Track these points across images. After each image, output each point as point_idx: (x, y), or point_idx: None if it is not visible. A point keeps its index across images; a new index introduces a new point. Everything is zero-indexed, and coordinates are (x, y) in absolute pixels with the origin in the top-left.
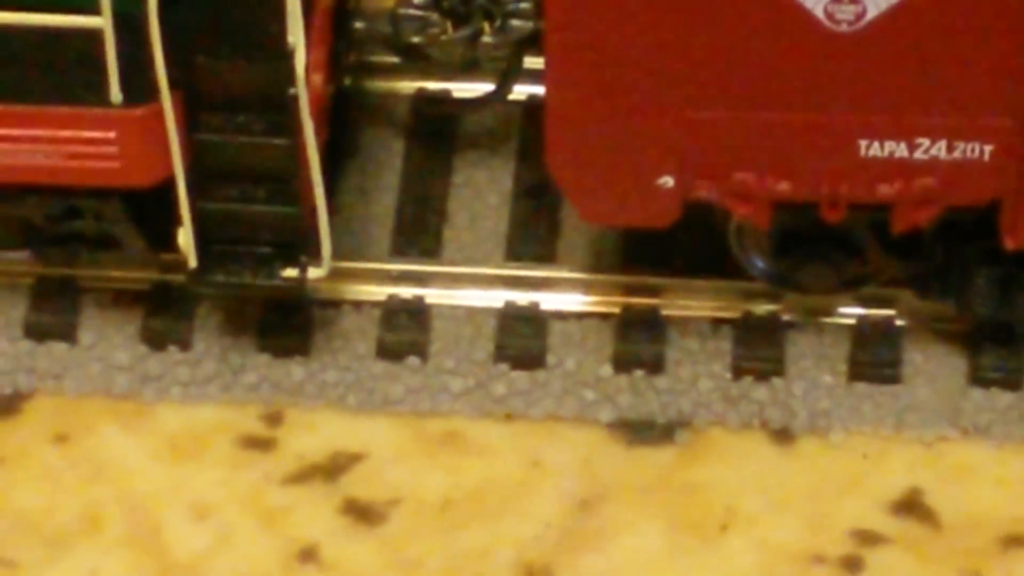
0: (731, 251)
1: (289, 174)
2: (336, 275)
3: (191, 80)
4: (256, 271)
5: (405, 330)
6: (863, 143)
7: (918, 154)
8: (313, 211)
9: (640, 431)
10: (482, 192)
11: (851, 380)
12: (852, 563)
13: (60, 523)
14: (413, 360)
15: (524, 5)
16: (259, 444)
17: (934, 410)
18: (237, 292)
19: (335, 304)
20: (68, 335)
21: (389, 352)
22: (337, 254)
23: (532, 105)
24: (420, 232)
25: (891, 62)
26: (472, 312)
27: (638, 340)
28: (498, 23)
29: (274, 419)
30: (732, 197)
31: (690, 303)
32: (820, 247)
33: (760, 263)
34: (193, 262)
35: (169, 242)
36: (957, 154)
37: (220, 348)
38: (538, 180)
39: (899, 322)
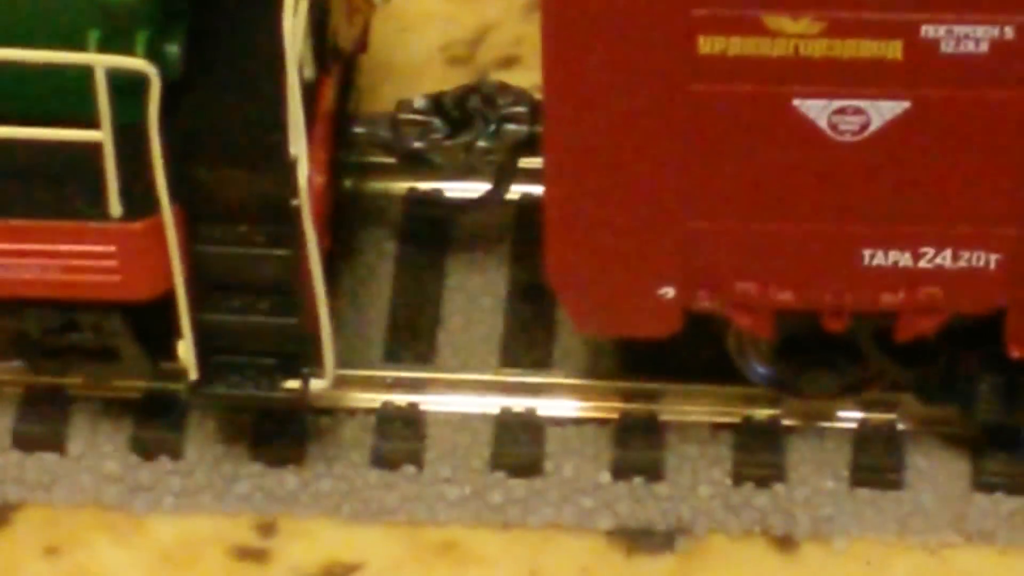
0: (730, 357)
1: (291, 285)
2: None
3: (191, 192)
4: (258, 383)
5: (400, 438)
6: (867, 252)
7: (923, 263)
8: (315, 322)
9: (640, 539)
10: (476, 295)
11: (853, 486)
12: None
13: None
14: (408, 468)
15: (519, 109)
16: (253, 555)
17: (938, 515)
18: (238, 404)
19: (329, 412)
20: (57, 445)
21: (384, 461)
22: None
23: (525, 205)
24: (414, 337)
25: (895, 172)
26: (467, 419)
27: (636, 446)
28: (492, 127)
29: (268, 530)
30: (734, 307)
31: (689, 408)
32: (821, 353)
33: (760, 368)
34: (194, 374)
35: (168, 352)
36: (963, 263)
37: (212, 457)
38: (533, 282)
39: (901, 426)
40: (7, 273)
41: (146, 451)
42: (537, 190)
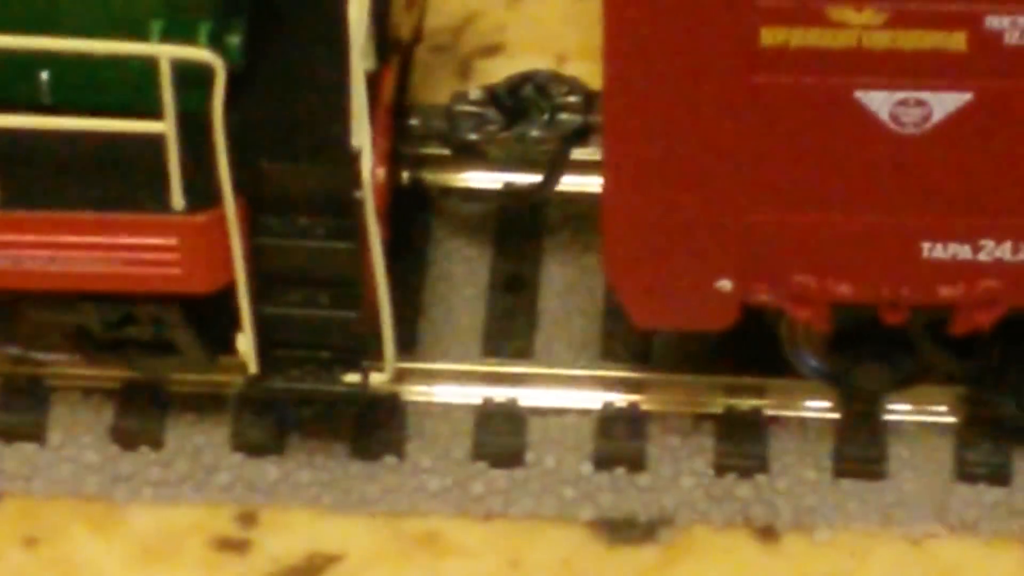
0: (782, 350)
1: (352, 278)
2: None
3: (252, 184)
4: (317, 376)
5: (381, 429)
6: (926, 245)
7: (982, 256)
8: (375, 315)
9: (621, 530)
10: (458, 285)
11: (836, 476)
12: None
13: None
14: (390, 459)
15: (572, 99)
16: (234, 546)
17: (921, 506)
18: (297, 398)
19: (309, 403)
20: (37, 435)
21: (365, 451)
22: None
23: (507, 195)
24: (396, 326)
25: (956, 164)
26: (449, 409)
27: (618, 437)
28: (546, 117)
29: (248, 520)
30: (792, 300)
31: (671, 399)
32: (875, 346)
33: (812, 362)
34: (253, 368)
35: (223, 345)
36: (1022, 255)
37: (193, 447)
38: (516, 272)
39: (884, 417)
40: (68, 266)
41: (126, 441)
42: (520, 179)
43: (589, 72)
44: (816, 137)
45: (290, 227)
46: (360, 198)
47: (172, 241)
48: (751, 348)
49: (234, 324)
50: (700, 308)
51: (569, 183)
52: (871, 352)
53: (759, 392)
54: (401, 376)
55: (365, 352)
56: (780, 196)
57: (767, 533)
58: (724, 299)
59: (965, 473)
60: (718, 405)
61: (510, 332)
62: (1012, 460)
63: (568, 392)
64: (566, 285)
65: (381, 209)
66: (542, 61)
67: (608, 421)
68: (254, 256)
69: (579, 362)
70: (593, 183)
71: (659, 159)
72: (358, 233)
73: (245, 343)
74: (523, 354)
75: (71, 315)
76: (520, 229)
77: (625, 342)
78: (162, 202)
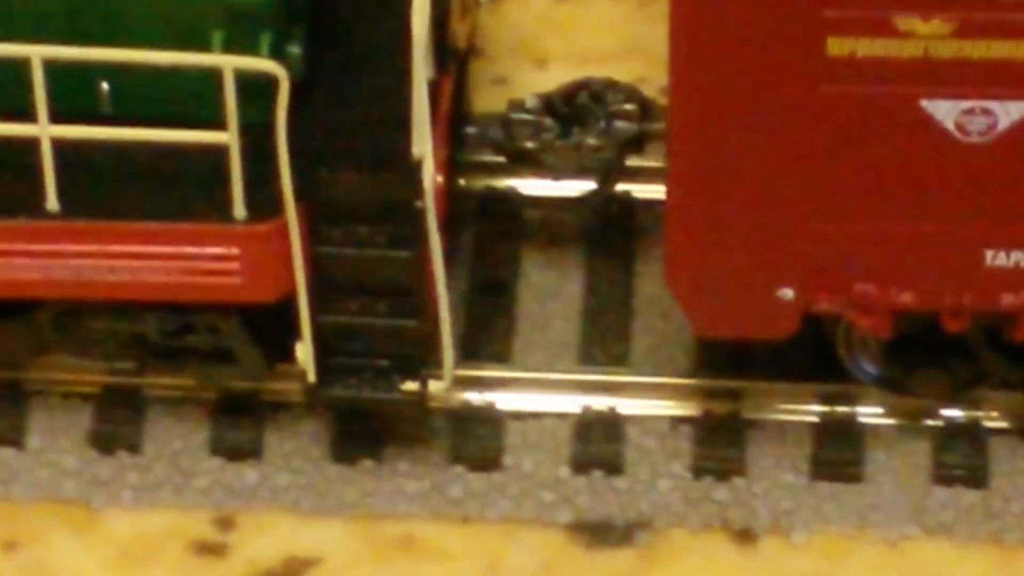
0: (838, 355)
1: (412, 286)
2: (282, 376)
3: (312, 193)
4: (375, 385)
5: (359, 433)
6: (989, 253)
7: None
8: (434, 323)
9: (599, 533)
10: None
11: (813, 479)
12: None
13: None
14: (367, 463)
15: (628, 107)
16: (211, 550)
17: (898, 509)
18: (356, 407)
19: (287, 406)
20: (15, 440)
21: (343, 455)
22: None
23: (487, 198)
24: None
25: (1021, 172)
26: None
27: (596, 440)
28: (602, 124)
29: (226, 524)
30: (854, 309)
31: (649, 403)
32: (933, 352)
33: (869, 368)
34: (312, 376)
35: (280, 354)
36: None
37: (171, 452)
38: (493, 276)
39: (861, 420)
40: (128, 276)
41: (104, 446)
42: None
43: (569, 75)
44: (881, 146)
45: (349, 236)
46: (421, 207)
47: (233, 251)
48: (728, 352)
49: (292, 332)
50: (761, 317)
51: (548, 188)
52: (929, 359)
53: (737, 395)
54: None
55: (424, 361)
56: (844, 205)
57: (744, 536)
58: (785, 308)
59: (942, 476)
60: (696, 408)
61: (487, 337)
62: (988, 463)
63: (546, 396)
64: (544, 289)
65: (441, 217)
66: (523, 64)
67: (586, 425)
68: (315, 265)
69: (556, 366)
70: (570, 187)
71: (724, 168)
72: (418, 242)
73: (304, 352)
74: (500, 358)
75: (130, 324)
76: (499, 233)
77: (602, 346)
78: (224, 212)
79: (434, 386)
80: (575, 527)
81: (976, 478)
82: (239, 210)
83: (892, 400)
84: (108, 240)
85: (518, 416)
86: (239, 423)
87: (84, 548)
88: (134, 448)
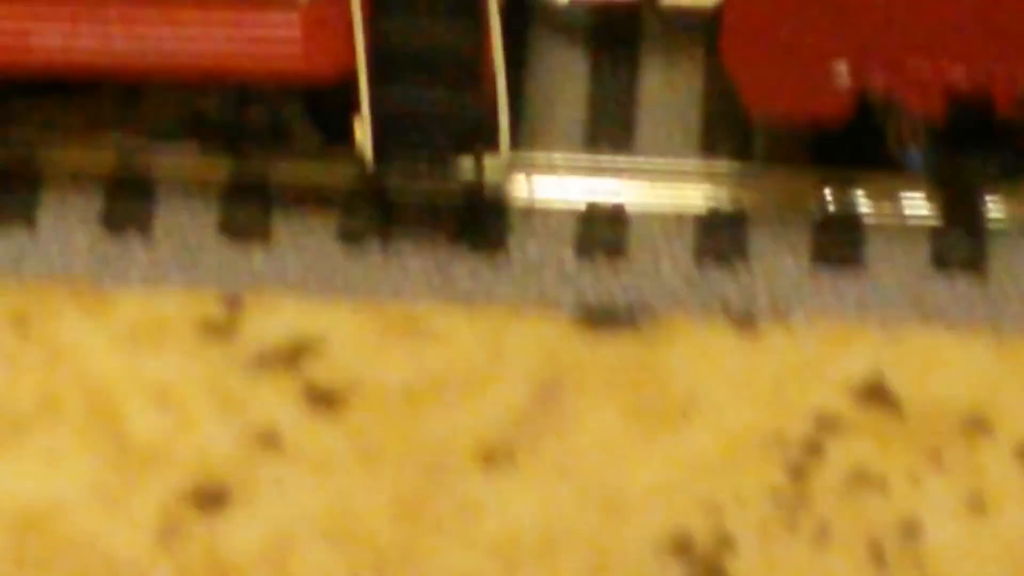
0: (888, 144)
1: (471, 57)
2: (292, 158)
3: None
4: (432, 168)
5: (365, 215)
6: None
7: None
8: (492, 99)
9: (602, 317)
10: None
11: (814, 264)
12: (813, 447)
13: (18, 406)
14: (373, 243)
15: None
16: (219, 329)
17: (896, 294)
18: (413, 189)
19: (295, 189)
20: (27, 218)
21: (349, 236)
22: None
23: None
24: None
25: None
26: (433, 195)
27: (601, 226)
28: None
29: (234, 304)
30: (906, 87)
31: (653, 192)
32: (978, 140)
33: (918, 157)
34: (369, 155)
35: (343, 138)
36: None
37: (180, 232)
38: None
39: (863, 209)
40: (192, 45)
41: (115, 225)
42: None
43: None
44: None
45: (411, 6)
46: None
47: (295, 22)
48: (726, 134)
49: (348, 118)
50: (816, 93)
51: None
52: (974, 146)
53: (739, 183)
54: None
55: (482, 137)
56: None
57: (745, 321)
58: (840, 89)
59: (940, 262)
60: (700, 198)
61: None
62: (987, 251)
63: (552, 179)
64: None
65: None
66: None
67: (592, 214)
68: (375, 39)
69: (566, 148)
70: None
71: None
72: (478, 10)
73: (361, 131)
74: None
75: (190, 99)
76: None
77: (609, 134)
78: None
79: (491, 162)
80: (578, 311)
81: (973, 263)
82: None
83: (891, 187)
84: (174, 7)
85: (524, 204)
86: (247, 205)
87: (93, 326)
88: (144, 228)
